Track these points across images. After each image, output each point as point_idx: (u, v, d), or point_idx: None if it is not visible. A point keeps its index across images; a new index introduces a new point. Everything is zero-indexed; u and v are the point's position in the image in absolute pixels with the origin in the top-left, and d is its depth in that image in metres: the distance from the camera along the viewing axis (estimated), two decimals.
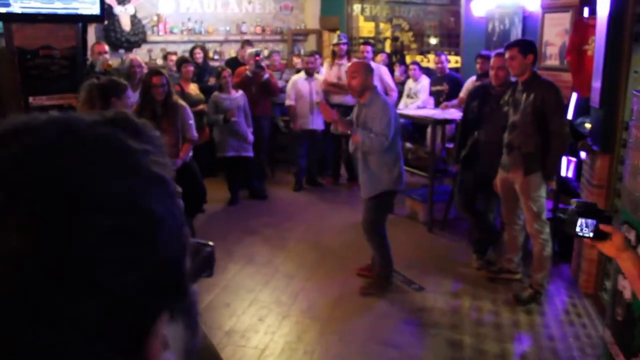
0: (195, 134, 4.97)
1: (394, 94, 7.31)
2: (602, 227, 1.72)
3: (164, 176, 0.55)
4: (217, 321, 4.13)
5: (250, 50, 7.35)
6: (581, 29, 5.42)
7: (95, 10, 4.62)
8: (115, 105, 3.90)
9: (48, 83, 4.64)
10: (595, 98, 4.49)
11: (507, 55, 4.26)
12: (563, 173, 5.66)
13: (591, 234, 1.75)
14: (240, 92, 6.64)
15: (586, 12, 5.57)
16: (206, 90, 7.09)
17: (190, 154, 5.00)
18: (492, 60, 4.67)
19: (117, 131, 0.54)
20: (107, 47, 6.52)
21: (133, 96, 5.47)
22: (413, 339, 3.88)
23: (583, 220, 1.73)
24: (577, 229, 1.75)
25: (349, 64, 7.10)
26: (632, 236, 2.22)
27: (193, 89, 6.98)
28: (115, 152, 0.52)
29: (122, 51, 8.61)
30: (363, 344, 3.79)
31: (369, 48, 7.38)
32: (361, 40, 9.96)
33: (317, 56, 7.45)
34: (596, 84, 4.47)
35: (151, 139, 0.58)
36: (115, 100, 3.89)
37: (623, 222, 2.36)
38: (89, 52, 5.95)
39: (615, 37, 4.25)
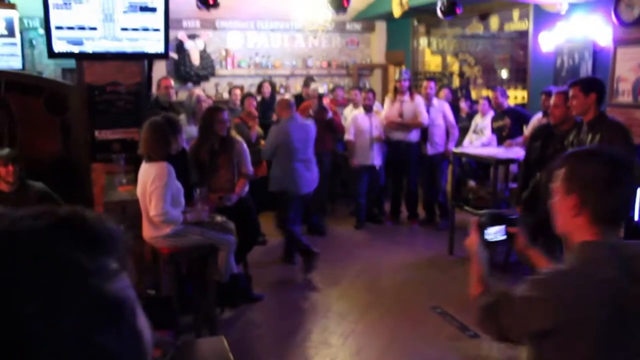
0: (251, 168, 5.01)
1: (455, 132, 7.22)
2: (509, 229, 2.09)
3: (119, 298, 0.49)
4: (262, 358, 4.09)
5: (313, 87, 7.42)
6: None
7: (159, 48, 4.78)
8: (176, 141, 4.02)
9: (113, 117, 4.83)
10: None
11: (570, 93, 4.09)
12: (636, 217, 5.34)
13: (504, 237, 2.08)
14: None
15: None
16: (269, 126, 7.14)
17: (246, 189, 5.04)
18: (551, 98, 4.49)
19: (67, 242, 0.48)
20: (172, 82, 6.72)
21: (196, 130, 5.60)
22: None
23: (494, 228, 2.03)
24: (492, 236, 2.02)
25: (409, 99, 7.18)
26: None
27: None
28: (61, 275, 0.46)
29: (190, 84, 8.89)
30: None
31: (432, 84, 7.34)
32: (427, 75, 9.91)
33: (372, 93, 7.42)
34: None
35: (110, 242, 0.51)
36: (176, 137, 4.02)
37: None
38: (154, 87, 6.15)
39: None
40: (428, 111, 7.10)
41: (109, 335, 0.46)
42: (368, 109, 7.18)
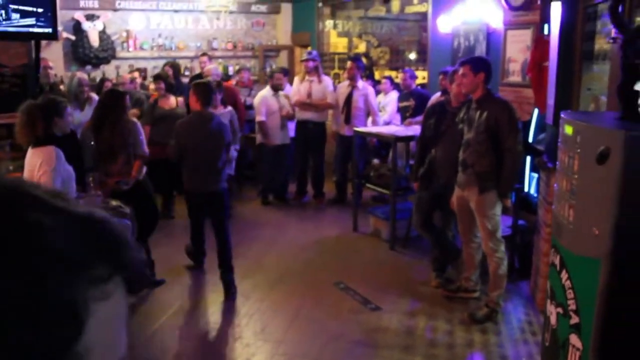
0: (146, 149, 4.89)
1: (377, 119, 7.16)
2: None
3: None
4: (166, 344, 4.05)
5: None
6: (541, 46, 5.44)
7: (47, 28, 4.55)
8: (57, 124, 3.85)
9: None
10: (549, 115, 4.50)
11: (460, 72, 4.26)
12: (526, 189, 5.67)
13: None
14: (229, 108, 6.60)
15: (546, 29, 5.60)
16: None
17: (144, 171, 4.92)
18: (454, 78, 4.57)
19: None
20: (50, 63, 6.50)
21: (82, 115, 5.44)
22: None
23: None
24: None
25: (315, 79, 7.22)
26: (557, 260, 2.19)
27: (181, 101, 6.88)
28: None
29: (89, 67, 8.54)
30: None
31: (355, 64, 7.12)
32: (335, 57, 10.00)
33: (283, 73, 7.44)
34: (550, 101, 4.48)
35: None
36: (58, 120, 3.85)
37: (552, 245, 2.33)
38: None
39: (566, 55, 4.27)
40: (351, 93, 7.08)
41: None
42: (275, 89, 7.17)
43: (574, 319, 1.99)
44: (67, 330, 0.48)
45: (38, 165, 3.71)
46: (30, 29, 4.49)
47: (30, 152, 3.81)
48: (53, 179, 3.71)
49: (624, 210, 1.81)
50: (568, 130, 2.12)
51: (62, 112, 3.88)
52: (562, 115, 2.26)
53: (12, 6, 4.28)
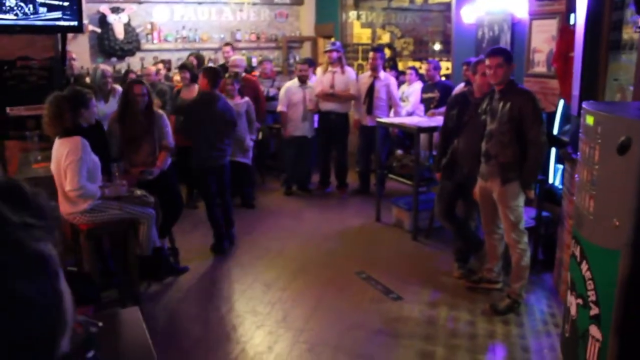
0: (171, 141, 4.96)
1: (399, 109, 7.15)
2: None
3: (41, 254, 0.52)
4: (189, 329, 4.11)
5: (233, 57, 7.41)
6: (567, 36, 5.37)
7: (72, 21, 4.63)
8: (83, 115, 3.94)
9: (26, 93, 4.66)
10: (574, 106, 4.44)
11: (490, 62, 4.17)
12: (550, 180, 5.61)
13: None
14: (246, 98, 6.66)
15: (572, 18, 5.52)
16: None
17: (169, 162, 4.99)
18: (487, 61, 4.43)
19: None
20: (74, 54, 6.64)
21: (106, 106, 5.52)
22: (384, 350, 3.84)
23: None
24: None
25: (339, 70, 7.21)
26: (577, 251, 2.18)
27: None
28: None
29: (114, 59, 8.65)
30: (332, 355, 3.75)
31: (378, 55, 7.12)
32: (355, 47, 9.98)
33: (308, 64, 7.43)
34: (575, 92, 4.43)
35: (40, 211, 0.55)
36: (84, 111, 3.93)
37: (573, 237, 2.32)
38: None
39: (592, 45, 4.21)
40: (373, 83, 7.06)
41: (27, 283, 0.49)
42: (302, 80, 7.19)
43: (594, 310, 1.98)
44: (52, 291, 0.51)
45: (65, 155, 3.80)
46: (57, 22, 4.58)
47: (57, 142, 3.91)
48: (79, 168, 3.80)
49: None
50: (589, 120, 2.10)
51: (87, 103, 3.96)
52: (583, 106, 2.24)
53: (39, 0, 4.37)
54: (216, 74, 5.45)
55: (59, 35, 4.83)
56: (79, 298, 3.19)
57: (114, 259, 4.56)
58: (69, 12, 4.55)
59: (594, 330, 1.97)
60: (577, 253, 2.15)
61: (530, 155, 4.08)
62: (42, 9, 4.37)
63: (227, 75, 6.94)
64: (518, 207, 4.19)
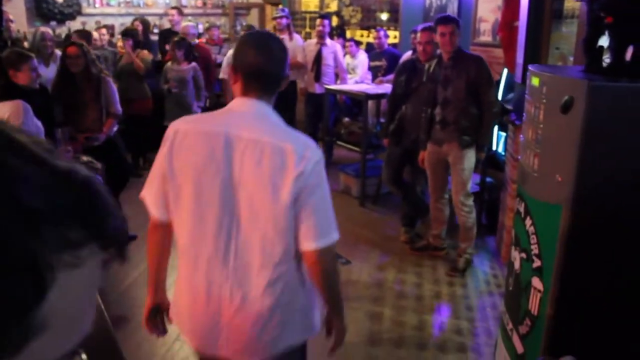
0: (119, 108, 4.85)
1: (345, 76, 7.15)
2: None
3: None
4: (140, 298, 4.07)
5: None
6: (512, 6, 5.47)
7: None
8: (15, 77, 3.80)
9: None
10: (518, 74, 4.58)
11: (442, 30, 4.24)
12: (493, 147, 5.78)
13: None
14: (193, 64, 6.56)
15: None
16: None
17: (115, 128, 4.88)
18: (418, 35, 4.67)
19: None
20: (11, 16, 6.35)
21: (48, 70, 5.32)
22: None
23: None
24: None
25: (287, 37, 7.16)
26: (522, 208, 2.28)
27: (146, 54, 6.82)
28: None
29: (53, 23, 8.31)
30: None
31: (326, 22, 7.09)
32: (306, 16, 9.90)
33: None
34: (519, 60, 4.55)
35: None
36: (15, 73, 3.80)
37: (517, 194, 2.42)
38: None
39: (535, 14, 4.32)
40: (320, 50, 7.04)
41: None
42: None
43: (537, 263, 2.09)
44: (25, 292, 0.42)
45: (5, 119, 3.65)
46: None
47: None
48: None
49: (585, 157, 1.89)
50: (535, 81, 2.18)
51: (19, 65, 3.82)
52: (529, 68, 2.32)
53: None
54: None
55: None
56: None
57: None
58: None
59: (536, 282, 2.07)
60: (522, 209, 2.25)
61: (486, 118, 4.21)
62: None
63: (174, 40, 6.81)
64: (471, 169, 4.33)
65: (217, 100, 7.78)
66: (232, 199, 1.74)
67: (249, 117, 1.77)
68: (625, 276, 1.96)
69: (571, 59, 4.11)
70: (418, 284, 4.34)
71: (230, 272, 1.79)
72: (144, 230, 5.23)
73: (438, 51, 4.58)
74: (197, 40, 7.19)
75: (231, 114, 1.81)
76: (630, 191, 1.90)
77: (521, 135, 2.45)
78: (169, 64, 6.58)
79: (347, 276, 4.42)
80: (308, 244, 1.74)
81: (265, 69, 1.76)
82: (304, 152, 1.69)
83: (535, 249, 2.08)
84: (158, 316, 2.06)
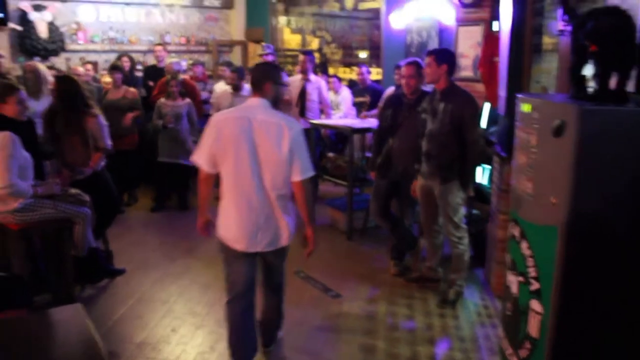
0: (108, 142, 4.84)
1: (329, 111, 7.16)
2: None
3: None
4: (128, 334, 4.01)
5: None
6: (492, 42, 5.64)
7: None
8: (2, 109, 3.83)
9: None
10: (501, 106, 4.67)
11: (425, 62, 4.36)
12: (478, 180, 5.86)
13: None
14: (187, 100, 6.64)
15: (496, 25, 5.80)
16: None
17: (102, 163, 4.86)
18: (402, 70, 4.76)
19: None
20: (1, 51, 6.39)
21: (36, 104, 5.30)
22: (327, 345, 3.88)
23: None
24: None
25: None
26: (517, 232, 2.31)
27: (133, 92, 6.82)
28: None
29: (37, 59, 8.31)
30: (276, 351, 3.76)
31: (309, 58, 7.06)
32: (286, 53, 10.04)
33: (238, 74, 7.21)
34: (502, 93, 4.66)
35: None
36: (1, 105, 3.82)
37: (511, 219, 2.45)
38: None
39: (516, 48, 4.44)
40: (304, 86, 7.07)
41: None
42: (235, 88, 6.89)
43: (534, 285, 2.11)
44: None
45: None
46: None
47: None
48: (9, 164, 3.64)
49: (579, 179, 1.94)
50: (526, 108, 2.24)
51: (3, 97, 3.83)
52: (519, 96, 2.38)
53: None
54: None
55: None
56: (10, 303, 3.05)
57: (45, 261, 4.37)
58: None
59: (534, 304, 2.09)
60: (517, 234, 2.28)
61: (469, 155, 4.24)
62: None
63: (169, 76, 6.87)
64: (458, 204, 4.35)
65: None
66: (255, 155, 3.05)
67: (259, 108, 3.12)
68: (623, 294, 1.99)
69: (550, 92, 4.22)
70: (409, 316, 4.32)
71: (259, 196, 3.10)
72: (132, 265, 5.22)
73: (423, 86, 4.68)
74: (181, 77, 7.24)
75: (249, 107, 3.16)
76: (624, 209, 1.94)
77: (513, 162, 2.50)
78: (162, 99, 6.62)
79: (337, 309, 4.40)
80: (295, 177, 3.12)
81: (261, 79, 3.19)
82: (291, 126, 3.09)
83: (532, 272, 2.10)
84: (208, 225, 3.46)
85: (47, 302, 4.11)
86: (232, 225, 3.21)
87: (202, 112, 7.28)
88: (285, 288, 3.72)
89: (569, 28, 2.88)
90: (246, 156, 3.04)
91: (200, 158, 3.14)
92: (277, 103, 3.21)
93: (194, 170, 7.05)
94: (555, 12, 4.17)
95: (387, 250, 5.30)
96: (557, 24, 3.97)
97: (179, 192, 6.97)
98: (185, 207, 6.91)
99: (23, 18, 8.31)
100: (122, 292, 4.63)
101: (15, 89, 3.98)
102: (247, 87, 6.86)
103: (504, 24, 4.64)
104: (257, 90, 3.16)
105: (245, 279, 3.35)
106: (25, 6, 8.28)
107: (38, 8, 8.39)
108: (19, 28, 8.26)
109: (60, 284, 4.20)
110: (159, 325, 4.12)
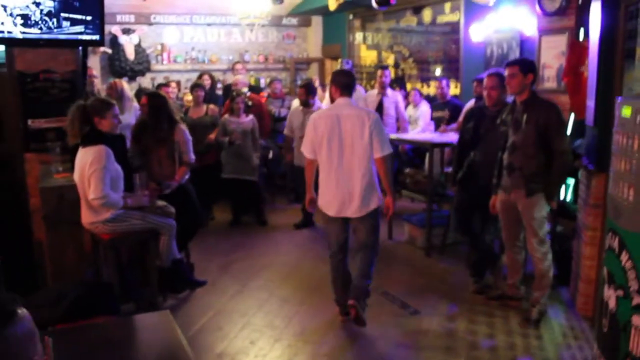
0: (192, 156, 4.99)
1: (406, 125, 7.14)
2: None
3: None
4: (208, 344, 4.07)
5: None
6: (577, 51, 5.43)
7: (94, 36, 4.70)
8: (100, 124, 3.99)
9: (47, 106, 4.71)
10: (589, 117, 4.47)
11: (507, 72, 4.22)
12: (561, 195, 5.61)
13: None
14: (251, 116, 6.74)
15: (581, 34, 5.59)
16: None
17: (187, 176, 5.01)
18: (484, 81, 4.66)
19: None
20: (95, 72, 6.77)
21: (127, 117, 5.54)
22: None
23: None
24: None
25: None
26: (615, 243, 2.18)
27: (213, 109, 7.04)
28: None
29: (125, 79, 8.73)
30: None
31: (387, 72, 7.17)
32: (362, 70, 10.08)
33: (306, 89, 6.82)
34: (590, 102, 4.46)
35: None
36: (99, 120, 3.99)
37: (608, 230, 2.32)
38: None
39: (607, 54, 4.24)
40: (382, 101, 7.08)
41: None
42: (304, 104, 6.65)
43: (636, 300, 1.97)
44: None
45: (89, 163, 3.82)
46: (79, 37, 4.63)
47: (81, 151, 3.93)
48: (103, 176, 3.81)
49: None
50: (626, 112, 2.12)
51: (103, 113, 4.01)
52: (619, 100, 2.26)
53: (63, 14, 4.44)
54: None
55: (80, 49, 4.89)
56: (99, 309, 3.16)
57: (131, 271, 4.53)
58: (91, 27, 4.62)
59: (636, 320, 1.95)
60: (615, 245, 2.15)
61: (555, 165, 4.06)
62: (66, 23, 4.44)
63: (234, 93, 7.02)
64: (543, 218, 4.18)
65: (280, 151, 7.75)
66: (343, 143, 4.02)
67: (345, 105, 4.08)
68: None
69: None
70: (490, 334, 4.17)
71: (346, 174, 4.05)
72: (213, 276, 5.33)
73: (506, 97, 4.56)
74: (248, 92, 7.41)
75: (338, 105, 4.10)
76: None
77: (610, 168, 2.37)
78: (226, 116, 6.72)
79: (417, 326, 4.31)
80: (377, 154, 4.02)
81: (350, 84, 4.18)
82: (371, 115, 4.05)
83: (634, 285, 1.97)
84: (312, 202, 4.28)
85: (132, 310, 4.25)
86: (326, 195, 4.15)
87: (269, 127, 7.41)
88: (377, 251, 4.37)
89: None
90: (336, 144, 4.01)
91: (305, 148, 4.13)
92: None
93: (263, 185, 7.19)
94: None
95: (466, 267, 5.15)
96: None
97: (254, 207, 7.03)
98: (264, 222, 6.98)
99: (113, 41, 8.79)
100: (203, 304, 4.73)
101: (112, 104, 4.18)
102: (318, 102, 6.81)
103: (593, 30, 4.45)
104: (347, 93, 4.11)
105: (338, 239, 4.27)
106: (116, 30, 8.77)
107: (127, 31, 8.86)
108: (109, 51, 8.74)
109: (145, 294, 4.33)
110: (238, 337, 4.17)
